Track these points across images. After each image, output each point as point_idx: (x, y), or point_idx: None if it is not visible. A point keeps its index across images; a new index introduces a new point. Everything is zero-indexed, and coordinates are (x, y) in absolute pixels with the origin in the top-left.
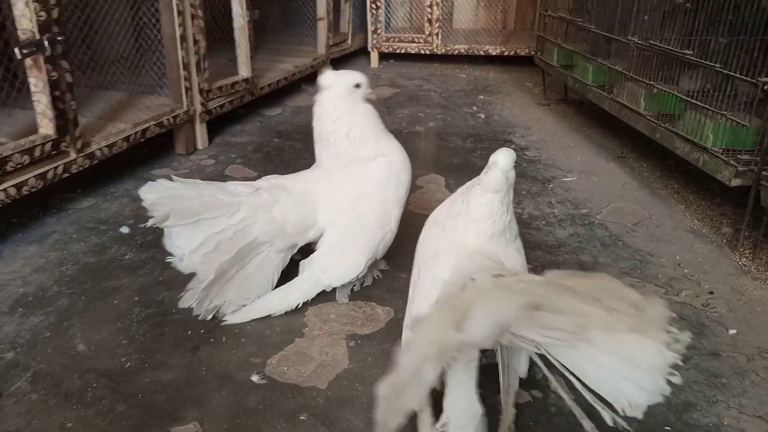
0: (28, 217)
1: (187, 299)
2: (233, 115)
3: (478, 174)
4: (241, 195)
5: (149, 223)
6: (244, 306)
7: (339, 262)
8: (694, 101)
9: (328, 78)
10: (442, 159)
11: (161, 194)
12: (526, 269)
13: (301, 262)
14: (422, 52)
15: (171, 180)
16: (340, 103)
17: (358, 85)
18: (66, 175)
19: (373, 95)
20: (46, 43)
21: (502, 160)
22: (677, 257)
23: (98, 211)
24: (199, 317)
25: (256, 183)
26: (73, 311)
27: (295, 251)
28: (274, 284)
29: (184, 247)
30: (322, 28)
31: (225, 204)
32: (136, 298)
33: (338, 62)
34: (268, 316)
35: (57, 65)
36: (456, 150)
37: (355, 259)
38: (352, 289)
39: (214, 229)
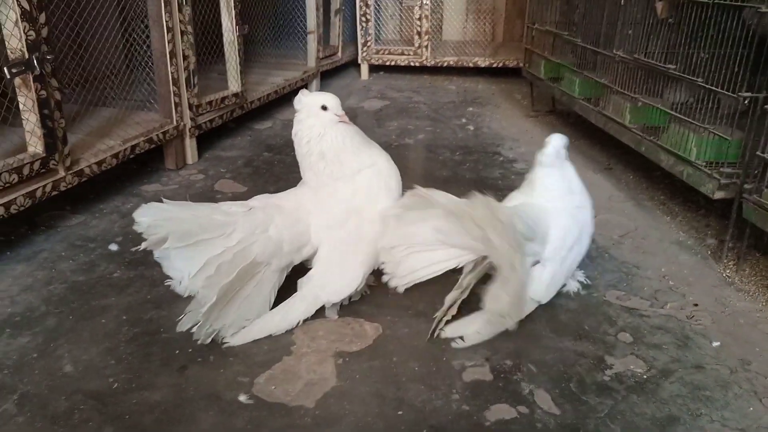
0: (16, 235)
1: (186, 323)
2: (223, 129)
3: (467, 187)
4: (235, 215)
5: (142, 246)
6: (243, 327)
7: (338, 278)
8: (677, 114)
9: (298, 101)
10: (431, 171)
11: (156, 217)
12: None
13: (299, 281)
14: (412, 64)
15: (162, 202)
16: (307, 127)
17: (324, 107)
18: (55, 192)
19: (345, 118)
20: (35, 62)
21: (554, 139)
22: (663, 269)
23: (87, 229)
24: (199, 342)
25: (248, 202)
26: (61, 331)
27: (289, 270)
28: (272, 303)
29: (184, 269)
30: (312, 41)
31: (220, 224)
32: (124, 317)
33: (329, 75)
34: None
35: (46, 84)
36: (445, 162)
37: (354, 272)
38: (341, 305)
39: (214, 251)
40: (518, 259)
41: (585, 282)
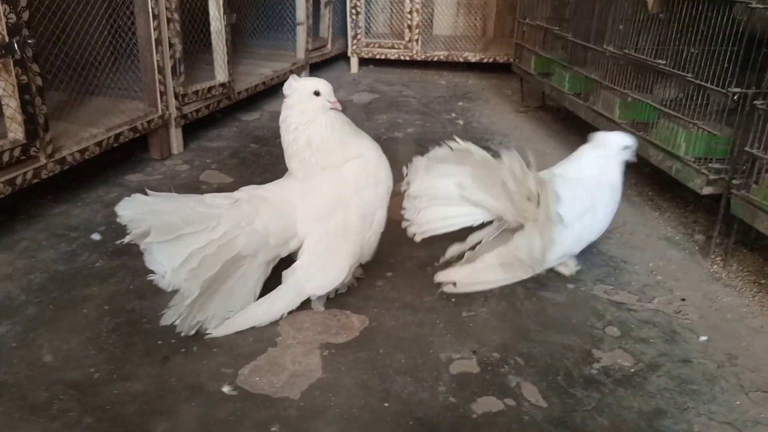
0: None
1: (170, 316)
2: (210, 120)
3: None
4: (220, 207)
5: (126, 239)
6: (227, 319)
7: (323, 271)
8: (666, 110)
9: (288, 86)
10: None
11: (139, 210)
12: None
13: (284, 273)
14: (402, 58)
15: (146, 194)
16: (297, 113)
17: (317, 93)
18: (36, 180)
19: (338, 105)
20: (15, 45)
21: (619, 136)
22: (650, 264)
23: (69, 218)
24: (182, 334)
25: (234, 194)
26: (41, 321)
27: (276, 263)
28: (257, 296)
29: (166, 263)
30: (301, 32)
31: (205, 217)
32: (106, 307)
33: (318, 67)
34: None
35: (27, 69)
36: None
37: (340, 265)
38: (327, 297)
39: (197, 244)
40: (550, 203)
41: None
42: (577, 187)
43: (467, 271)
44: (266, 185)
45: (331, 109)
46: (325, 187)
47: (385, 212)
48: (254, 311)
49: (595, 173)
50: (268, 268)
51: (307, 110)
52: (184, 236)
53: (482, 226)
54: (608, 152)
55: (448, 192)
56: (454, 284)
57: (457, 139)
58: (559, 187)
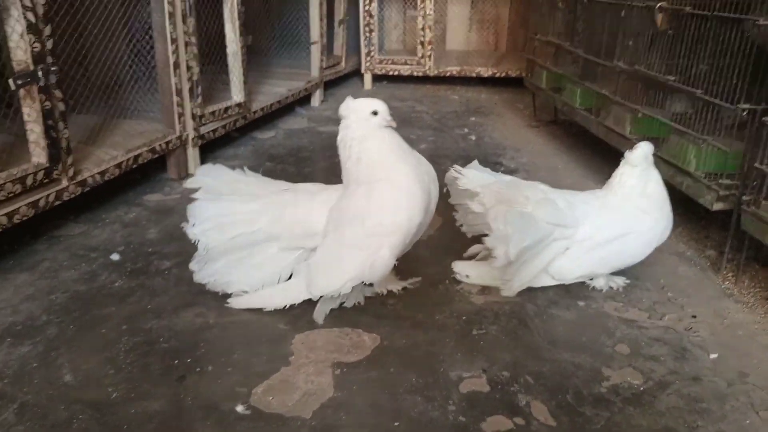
0: (19, 244)
1: (192, 264)
2: (226, 139)
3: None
4: (269, 190)
5: (186, 183)
6: (246, 293)
7: (324, 274)
8: (676, 126)
9: (345, 107)
10: None
11: (208, 173)
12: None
13: (296, 267)
14: (415, 74)
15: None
16: (353, 131)
17: (375, 113)
18: (58, 202)
19: (393, 122)
20: (40, 73)
21: (643, 144)
22: (662, 281)
23: (89, 238)
24: (207, 286)
25: (290, 184)
26: (62, 340)
27: (307, 256)
28: (281, 281)
29: (195, 218)
30: (315, 51)
31: (248, 193)
32: (124, 327)
33: (332, 85)
34: (257, 340)
35: (50, 95)
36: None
37: (340, 274)
38: (331, 310)
39: (224, 211)
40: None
41: (617, 289)
42: (612, 212)
43: (479, 271)
44: (328, 186)
45: (387, 126)
46: (350, 199)
47: (407, 239)
48: (263, 293)
49: (636, 192)
50: (298, 258)
51: (363, 127)
52: (219, 200)
53: None
54: (646, 164)
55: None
56: (467, 276)
57: (456, 167)
58: (586, 209)
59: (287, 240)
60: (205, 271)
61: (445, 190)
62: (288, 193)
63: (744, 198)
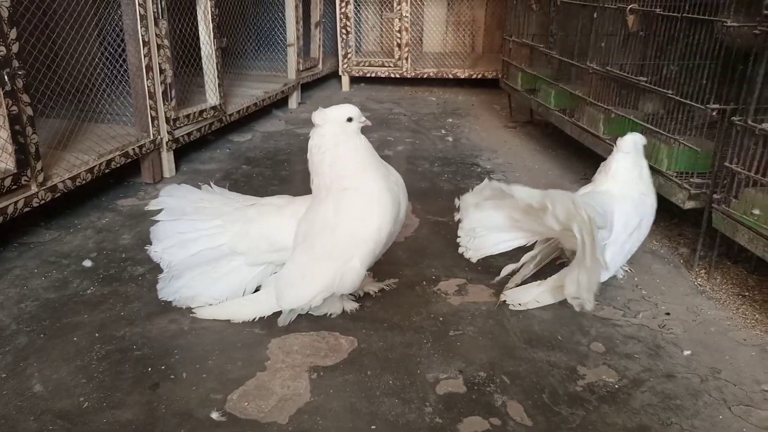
0: None
1: (159, 285)
2: (202, 142)
3: (445, 198)
4: (234, 206)
5: (148, 206)
6: (210, 305)
7: (292, 287)
8: (648, 126)
9: (318, 116)
10: (410, 184)
11: (172, 193)
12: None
13: (267, 278)
14: (392, 75)
15: (198, 187)
16: (327, 138)
17: (350, 119)
18: (27, 209)
19: (367, 122)
20: (5, 78)
21: (632, 134)
22: (635, 278)
23: (61, 245)
24: (173, 303)
25: (259, 199)
26: (31, 350)
27: (274, 270)
28: (246, 294)
29: (157, 239)
30: (292, 53)
31: (212, 211)
32: (96, 335)
33: (309, 87)
34: (233, 346)
35: (17, 99)
36: (424, 174)
37: (306, 289)
38: (310, 314)
39: (186, 229)
40: (596, 249)
41: (629, 271)
42: (627, 205)
43: (533, 296)
44: (294, 198)
45: (363, 126)
46: (319, 209)
47: (377, 249)
48: (230, 306)
49: (634, 177)
50: (264, 271)
51: (337, 134)
52: (182, 220)
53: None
54: (636, 150)
55: (501, 222)
56: (520, 304)
57: (494, 180)
58: (613, 207)
59: (254, 256)
60: (170, 288)
61: (457, 206)
62: (253, 209)
63: (715, 196)
